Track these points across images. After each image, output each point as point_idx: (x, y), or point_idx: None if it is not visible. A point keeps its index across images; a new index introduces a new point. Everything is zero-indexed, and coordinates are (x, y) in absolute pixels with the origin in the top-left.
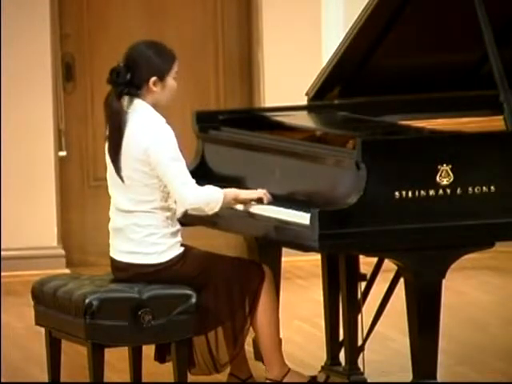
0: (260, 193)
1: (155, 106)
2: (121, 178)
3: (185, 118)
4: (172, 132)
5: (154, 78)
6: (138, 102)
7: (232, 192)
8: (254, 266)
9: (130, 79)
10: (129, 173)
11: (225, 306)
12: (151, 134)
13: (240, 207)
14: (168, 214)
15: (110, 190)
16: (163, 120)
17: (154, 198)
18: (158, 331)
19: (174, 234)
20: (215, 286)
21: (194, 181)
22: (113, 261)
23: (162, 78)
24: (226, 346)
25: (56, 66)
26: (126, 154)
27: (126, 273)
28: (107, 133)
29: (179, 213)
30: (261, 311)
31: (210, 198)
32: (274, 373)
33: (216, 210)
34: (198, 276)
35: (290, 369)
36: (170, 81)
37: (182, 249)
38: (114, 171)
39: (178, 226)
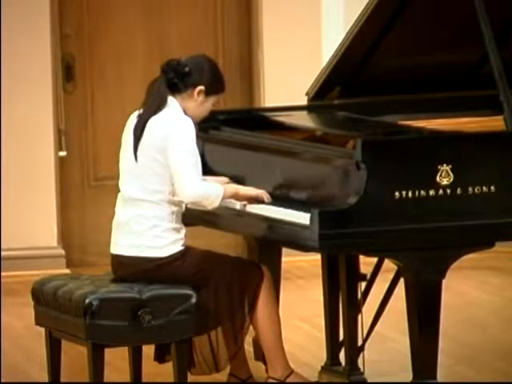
0: (259, 192)
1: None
2: (136, 156)
3: None
4: (194, 127)
5: (202, 87)
6: (172, 100)
7: (232, 188)
8: (252, 266)
9: (186, 73)
10: (144, 160)
11: (225, 306)
12: (173, 123)
13: (240, 207)
14: (174, 208)
15: (121, 179)
16: (189, 118)
17: (163, 189)
18: (158, 331)
19: (177, 230)
20: (215, 285)
21: (200, 176)
22: (113, 257)
23: (207, 93)
24: (226, 344)
25: (56, 66)
26: (145, 141)
27: (126, 268)
28: (141, 111)
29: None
30: (261, 311)
31: (210, 192)
32: (278, 372)
33: (215, 205)
34: (198, 274)
35: (293, 370)
36: (210, 102)
37: (183, 247)
38: (129, 155)
39: (183, 225)
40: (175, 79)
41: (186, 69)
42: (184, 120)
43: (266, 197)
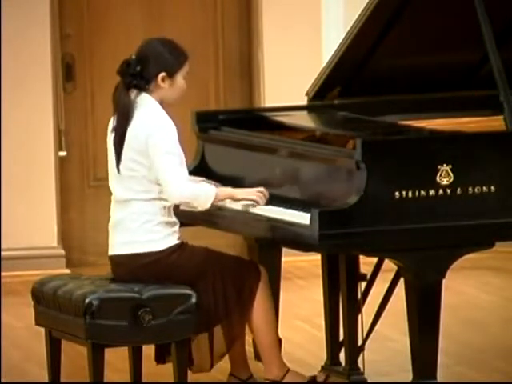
0: (257, 194)
1: (162, 103)
2: (118, 169)
3: (185, 117)
4: (173, 127)
5: (162, 74)
6: (145, 96)
7: (227, 191)
8: (250, 265)
9: (140, 72)
10: (128, 164)
11: (221, 304)
12: (152, 126)
13: (239, 207)
14: (166, 204)
15: (111, 183)
16: (167, 115)
17: (152, 189)
18: (158, 331)
19: (170, 224)
20: (212, 282)
21: (185, 176)
22: (111, 258)
23: (171, 74)
24: (224, 340)
25: (56, 66)
26: (129, 145)
27: (124, 267)
28: (114, 124)
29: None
30: (257, 312)
31: (199, 193)
32: (274, 373)
33: (207, 206)
34: (195, 268)
35: (289, 369)
36: (180, 79)
37: (179, 241)
38: (114, 162)
39: (176, 219)
40: (133, 81)
41: (138, 68)
42: (161, 120)
43: (264, 196)
